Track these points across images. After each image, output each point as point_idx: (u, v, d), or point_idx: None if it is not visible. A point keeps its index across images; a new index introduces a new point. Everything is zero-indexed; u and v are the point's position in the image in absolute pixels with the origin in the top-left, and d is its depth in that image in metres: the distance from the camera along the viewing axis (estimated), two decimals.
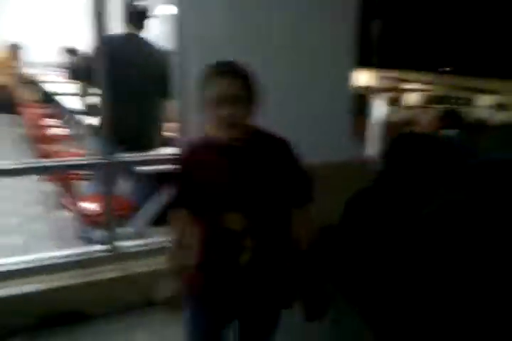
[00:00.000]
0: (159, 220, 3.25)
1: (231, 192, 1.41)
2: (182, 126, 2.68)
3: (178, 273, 1.53)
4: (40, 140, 3.71)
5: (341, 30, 3.00)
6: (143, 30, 3.25)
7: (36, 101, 7.32)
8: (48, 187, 3.74)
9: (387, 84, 11.54)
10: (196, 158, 1.47)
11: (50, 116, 6.35)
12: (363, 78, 8.69)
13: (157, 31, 3.54)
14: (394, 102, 10.99)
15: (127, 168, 3.02)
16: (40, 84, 7.66)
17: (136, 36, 3.17)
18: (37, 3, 9.10)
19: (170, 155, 2.79)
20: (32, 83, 7.76)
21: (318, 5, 2.85)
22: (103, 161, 2.55)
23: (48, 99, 7.48)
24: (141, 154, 2.81)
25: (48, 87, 7.11)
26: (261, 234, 1.46)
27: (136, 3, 3.38)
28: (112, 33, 3.15)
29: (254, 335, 1.66)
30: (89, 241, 3.09)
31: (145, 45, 3.18)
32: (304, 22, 2.83)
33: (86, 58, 2.49)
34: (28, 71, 7.87)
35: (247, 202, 1.42)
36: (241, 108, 1.35)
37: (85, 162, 2.58)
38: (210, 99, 1.34)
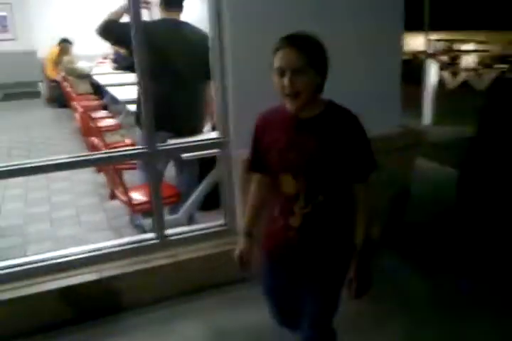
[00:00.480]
0: (209, 205, 3.28)
1: (289, 157, 1.51)
2: (220, 108, 2.64)
3: (249, 232, 1.73)
4: (91, 132, 3.80)
5: None
6: (181, 13, 3.20)
7: (88, 94, 7.55)
8: (102, 177, 3.85)
9: (440, 47, 10.92)
10: (267, 123, 1.61)
11: (102, 108, 6.53)
12: (414, 42, 8.25)
13: (198, 12, 3.46)
14: (448, 66, 10.37)
15: (172, 155, 3.05)
16: (91, 76, 7.88)
17: (175, 21, 3.12)
18: None
19: (214, 139, 2.76)
20: (83, 76, 7.98)
21: None
22: (146, 151, 2.56)
23: (100, 91, 7.70)
24: (185, 140, 2.78)
25: (99, 79, 7.29)
26: (314, 201, 1.52)
27: None
28: (150, 19, 3.16)
29: (314, 301, 1.67)
30: (142, 229, 3.18)
31: (184, 29, 3.13)
32: None
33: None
34: (79, 64, 8.09)
35: (302, 169, 1.50)
36: (302, 79, 1.41)
37: (129, 153, 2.61)
38: (275, 69, 1.44)
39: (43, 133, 7.18)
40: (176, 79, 3.07)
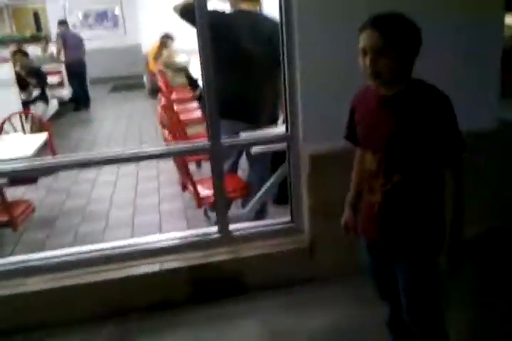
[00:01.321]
0: (285, 198, 3.16)
1: (371, 133, 1.58)
2: (288, 99, 2.50)
3: (353, 205, 1.83)
4: (170, 124, 3.86)
5: None
6: (257, 3, 3.11)
7: (183, 86, 7.78)
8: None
9: None
10: (358, 100, 1.68)
11: (196, 99, 6.67)
12: None
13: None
14: None
15: (241, 149, 2.98)
16: (187, 70, 8.10)
17: (249, 12, 3.04)
18: None
19: (283, 133, 2.63)
20: (181, 70, 8.23)
21: None
22: (208, 146, 2.51)
23: (195, 83, 7.89)
24: (250, 134, 2.69)
25: (194, 72, 7.47)
26: (395, 179, 1.54)
27: None
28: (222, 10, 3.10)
29: (405, 281, 1.66)
30: (212, 221, 3.16)
31: (259, 20, 3.05)
32: None
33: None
34: (177, 58, 8.36)
35: (381, 146, 1.53)
36: (383, 61, 1.42)
37: (191, 147, 2.57)
38: (359, 49, 1.47)
39: (140, 123, 7.57)
40: (250, 69, 3.00)
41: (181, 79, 8.02)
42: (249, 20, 3.02)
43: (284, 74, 2.50)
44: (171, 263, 2.51)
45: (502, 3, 2.52)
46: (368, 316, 2.17)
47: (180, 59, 8.35)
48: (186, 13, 2.81)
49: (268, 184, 2.96)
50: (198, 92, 7.49)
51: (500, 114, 2.66)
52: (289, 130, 2.57)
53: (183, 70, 8.25)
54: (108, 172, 4.85)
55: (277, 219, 2.78)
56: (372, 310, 2.02)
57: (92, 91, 9.67)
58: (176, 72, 8.08)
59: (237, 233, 2.65)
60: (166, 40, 9.07)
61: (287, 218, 2.73)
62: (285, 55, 2.45)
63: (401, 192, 1.56)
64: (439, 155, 1.50)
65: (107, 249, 2.56)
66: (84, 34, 10.10)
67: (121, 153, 2.51)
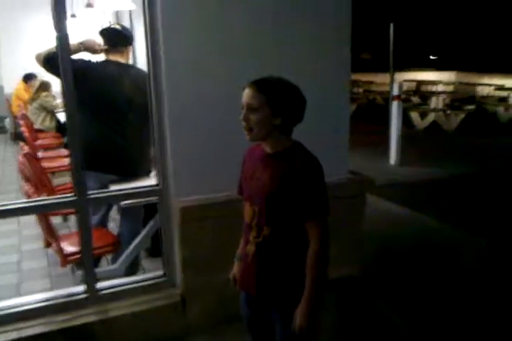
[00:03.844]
0: (157, 251, 3.08)
1: (249, 186, 1.68)
2: (158, 152, 2.52)
3: (238, 258, 1.83)
4: (40, 173, 3.60)
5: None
6: (126, 55, 3.12)
7: (50, 131, 7.36)
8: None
9: (408, 88, 11.12)
10: (249, 154, 1.76)
11: (63, 146, 6.32)
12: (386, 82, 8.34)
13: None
14: (417, 107, 10.53)
15: (111, 202, 2.89)
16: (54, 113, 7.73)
17: (119, 62, 3.04)
18: None
19: (150, 186, 2.61)
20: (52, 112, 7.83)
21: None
22: (74, 199, 2.39)
23: (64, 128, 7.53)
24: (119, 188, 2.64)
25: (62, 116, 7.14)
26: (265, 232, 1.62)
27: (114, 26, 3.27)
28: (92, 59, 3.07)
29: (279, 333, 1.71)
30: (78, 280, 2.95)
31: (128, 71, 3.07)
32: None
33: None
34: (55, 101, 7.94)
35: (256, 199, 1.63)
36: (255, 117, 1.54)
37: (55, 201, 2.43)
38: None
39: None
40: (120, 120, 2.98)
41: (52, 123, 7.64)
42: (117, 70, 3.01)
43: (153, 125, 2.51)
44: (31, 329, 2.29)
45: (347, 68, 2.86)
46: None
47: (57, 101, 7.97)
48: (49, 60, 2.72)
49: (139, 237, 2.89)
50: (66, 139, 7.15)
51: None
52: (160, 183, 2.57)
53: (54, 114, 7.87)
54: None
55: (149, 273, 2.71)
56: None
57: None
58: (48, 115, 7.69)
59: (106, 291, 2.52)
60: (46, 82, 8.62)
61: (160, 272, 2.67)
62: (153, 103, 2.46)
63: (270, 245, 1.63)
64: (304, 214, 1.57)
65: None
66: None
67: None
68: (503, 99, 11.22)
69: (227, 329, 2.47)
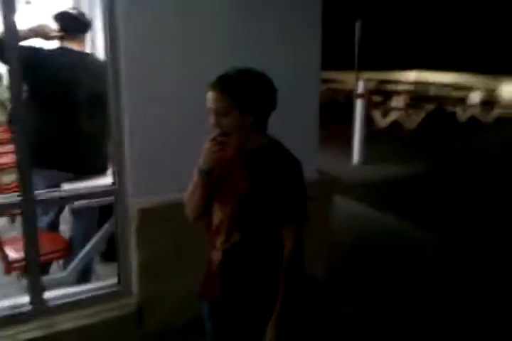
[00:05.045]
0: (111, 255, 2.87)
1: (222, 186, 1.51)
2: (115, 149, 2.33)
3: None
4: None
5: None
6: (82, 42, 2.88)
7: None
8: None
9: (371, 87, 11.21)
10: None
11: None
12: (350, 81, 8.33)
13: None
14: (379, 105, 10.63)
15: (61, 204, 2.66)
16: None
17: (74, 50, 2.79)
18: None
19: (105, 186, 2.41)
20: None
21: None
22: (18, 200, 2.16)
23: None
24: (69, 188, 2.42)
25: None
26: (234, 239, 1.48)
27: (72, 11, 3.01)
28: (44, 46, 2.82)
29: None
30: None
31: (85, 60, 2.82)
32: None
33: None
34: None
35: (233, 203, 1.47)
36: (227, 121, 1.40)
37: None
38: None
39: None
40: (74, 113, 2.73)
41: (2, 116, 7.20)
42: (72, 58, 2.77)
43: (111, 120, 2.32)
44: None
45: (317, 63, 2.74)
46: None
47: None
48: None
49: (93, 241, 2.67)
50: None
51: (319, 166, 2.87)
52: (116, 182, 2.37)
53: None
54: None
55: (102, 281, 2.51)
56: None
57: None
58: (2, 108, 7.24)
59: (54, 302, 2.30)
60: None
61: (114, 280, 2.47)
62: (112, 95, 2.28)
63: (239, 255, 1.50)
64: (281, 217, 1.46)
65: None
66: None
67: None
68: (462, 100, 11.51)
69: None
